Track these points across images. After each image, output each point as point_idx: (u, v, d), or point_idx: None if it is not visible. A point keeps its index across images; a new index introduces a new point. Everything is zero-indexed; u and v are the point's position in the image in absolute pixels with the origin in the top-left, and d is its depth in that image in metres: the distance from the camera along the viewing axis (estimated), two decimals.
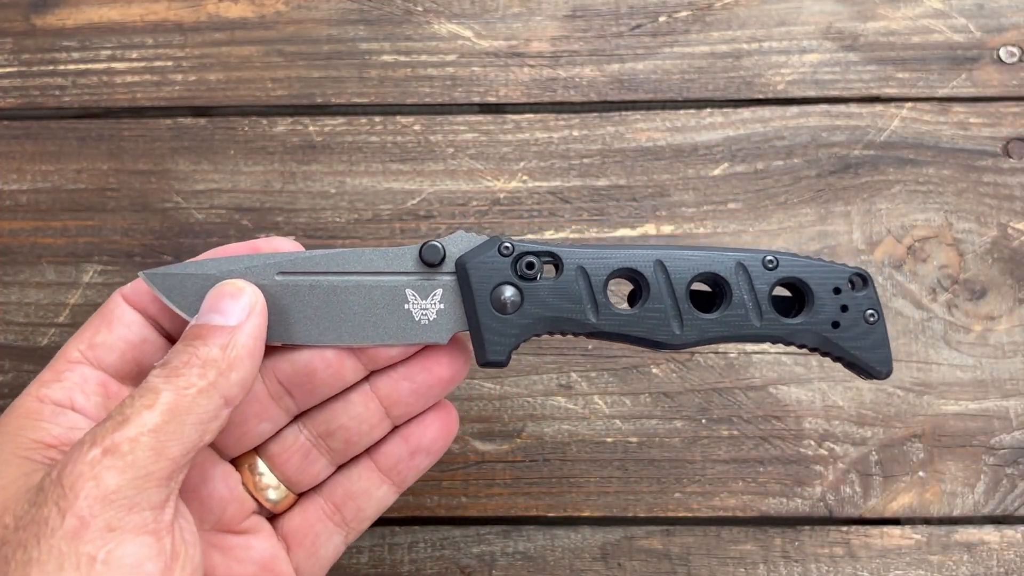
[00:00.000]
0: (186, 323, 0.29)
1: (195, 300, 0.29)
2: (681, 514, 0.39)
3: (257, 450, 0.32)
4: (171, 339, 0.31)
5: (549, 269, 0.30)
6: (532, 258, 0.30)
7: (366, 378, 0.31)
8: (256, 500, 0.32)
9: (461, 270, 0.30)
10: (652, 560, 0.39)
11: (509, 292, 0.30)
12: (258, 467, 0.32)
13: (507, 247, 0.30)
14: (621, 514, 0.39)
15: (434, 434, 0.32)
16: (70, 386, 0.29)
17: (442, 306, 0.30)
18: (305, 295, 0.30)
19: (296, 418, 0.32)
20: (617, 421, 0.40)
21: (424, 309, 0.30)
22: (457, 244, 0.30)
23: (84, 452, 0.25)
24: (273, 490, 0.32)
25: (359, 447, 0.32)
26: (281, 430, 0.32)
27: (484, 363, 0.30)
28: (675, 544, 0.39)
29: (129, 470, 0.25)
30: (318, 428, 0.32)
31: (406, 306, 0.30)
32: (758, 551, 0.38)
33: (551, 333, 0.30)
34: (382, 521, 0.39)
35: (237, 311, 0.28)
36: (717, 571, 0.38)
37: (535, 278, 0.30)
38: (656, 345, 0.30)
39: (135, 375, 0.30)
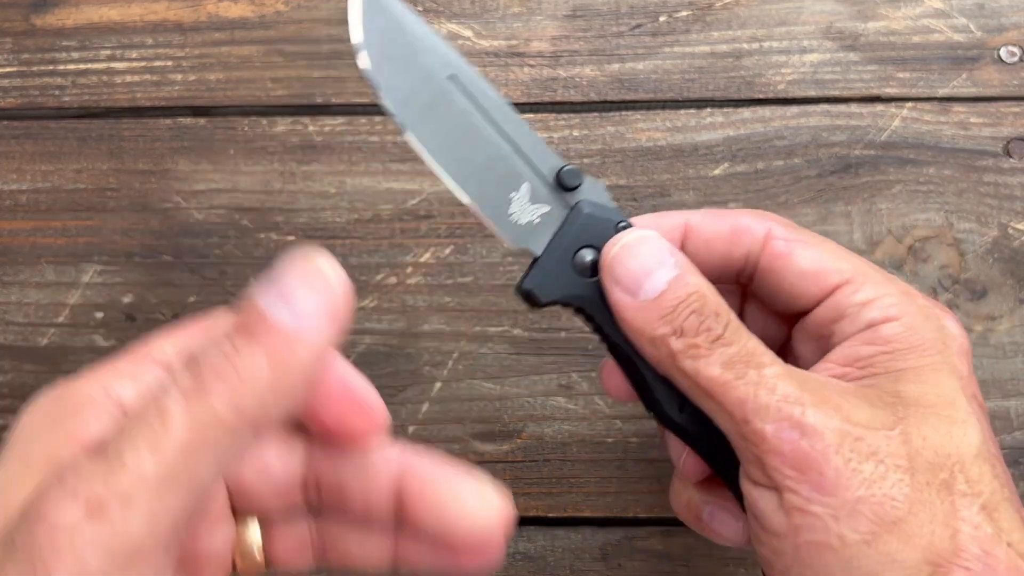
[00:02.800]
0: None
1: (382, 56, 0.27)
2: None
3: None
4: None
5: None
6: None
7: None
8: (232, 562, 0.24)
9: (575, 212, 0.29)
10: (652, 560, 0.39)
11: (590, 258, 0.29)
12: (250, 530, 0.24)
13: (623, 225, 0.29)
14: (621, 514, 0.39)
15: None
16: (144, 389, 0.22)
17: (537, 221, 0.29)
18: (452, 110, 0.28)
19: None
20: (618, 421, 0.40)
21: (523, 210, 0.29)
22: (591, 191, 0.29)
23: (65, 507, 0.18)
24: (247, 557, 0.24)
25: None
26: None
27: (523, 291, 0.29)
28: (675, 544, 0.39)
29: (116, 543, 0.18)
30: (327, 532, 0.25)
31: (513, 194, 0.29)
32: None
33: (587, 317, 0.29)
34: None
35: (311, 309, 0.20)
36: (718, 572, 0.38)
37: None
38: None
39: None
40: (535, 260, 0.29)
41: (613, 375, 0.31)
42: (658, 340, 0.27)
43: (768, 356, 0.26)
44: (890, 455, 0.24)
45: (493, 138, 0.29)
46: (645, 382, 0.29)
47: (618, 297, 0.27)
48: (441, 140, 0.28)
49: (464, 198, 0.29)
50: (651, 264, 0.27)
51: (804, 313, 0.30)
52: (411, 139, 0.28)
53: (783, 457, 0.25)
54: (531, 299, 0.29)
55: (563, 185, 0.29)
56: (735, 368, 0.26)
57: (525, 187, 0.29)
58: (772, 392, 0.25)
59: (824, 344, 0.29)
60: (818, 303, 0.29)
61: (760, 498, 0.26)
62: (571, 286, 0.29)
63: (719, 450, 0.28)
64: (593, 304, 0.29)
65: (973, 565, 0.23)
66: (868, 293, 0.28)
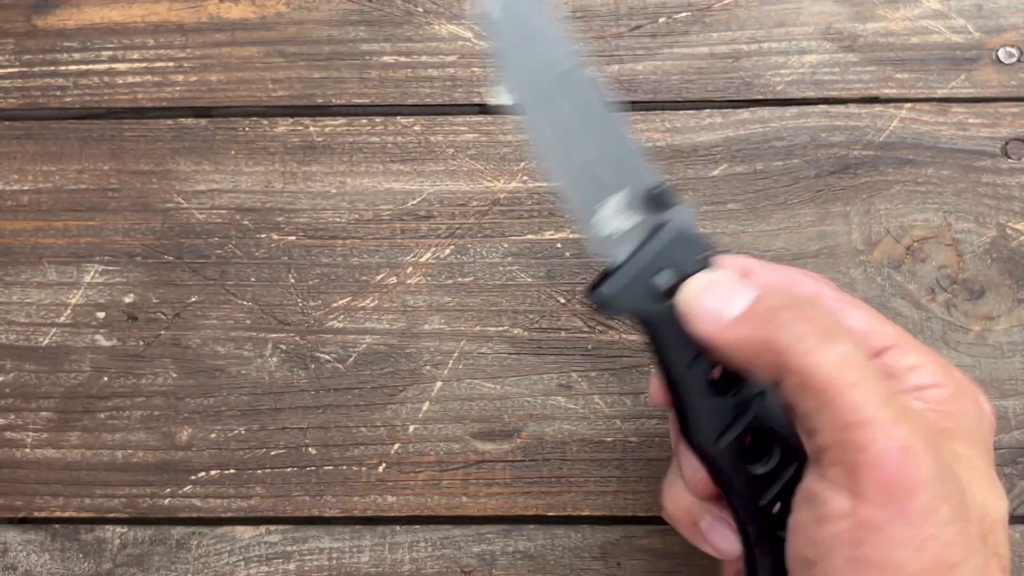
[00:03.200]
0: None
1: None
2: None
3: None
4: None
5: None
6: None
7: None
8: None
9: (665, 231, 0.29)
10: (651, 559, 0.39)
11: (665, 279, 0.29)
12: None
13: (708, 255, 0.29)
14: (621, 513, 0.39)
15: None
16: None
17: (621, 232, 0.29)
18: (565, 104, 0.28)
19: None
20: (617, 421, 0.40)
21: (609, 218, 0.29)
22: (681, 214, 0.29)
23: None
24: None
25: None
26: None
27: (596, 296, 0.29)
28: (675, 543, 0.39)
29: None
30: None
31: (605, 201, 0.29)
32: None
33: (652, 335, 0.29)
34: (382, 520, 0.39)
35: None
36: (717, 571, 0.39)
37: None
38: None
39: None
40: (614, 269, 0.29)
41: (659, 393, 0.31)
42: (760, 344, 0.27)
43: (872, 366, 0.27)
44: (960, 505, 0.25)
45: (598, 141, 0.29)
46: (686, 409, 0.29)
47: (705, 328, 0.28)
48: (549, 132, 0.28)
49: (556, 192, 0.28)
50: (730, 293, 0.28)
51: None
52: (523, 123, 0.28)
53: (880, 474, 0.25)
54: (606, 306, 0.29)
55: (656, 203, 0.29)
56: (852, 370, 0.25)
57: (618, 196, 0.29)
58: (888, 407, 0.25)
59: None
60: None
61: (833, 499, 0.26)
62: (646, 303, 0.28)
63: (745, 484, 0.29)
64: (663, 325, 0.28)
65: None
66: (913, 360, 0.30)
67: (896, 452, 0.25)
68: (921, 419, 0.27)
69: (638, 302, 0.29)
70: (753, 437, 0.30)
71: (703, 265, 0.29)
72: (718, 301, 0.28)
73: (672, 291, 0.28)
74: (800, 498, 0.27)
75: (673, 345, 0.28)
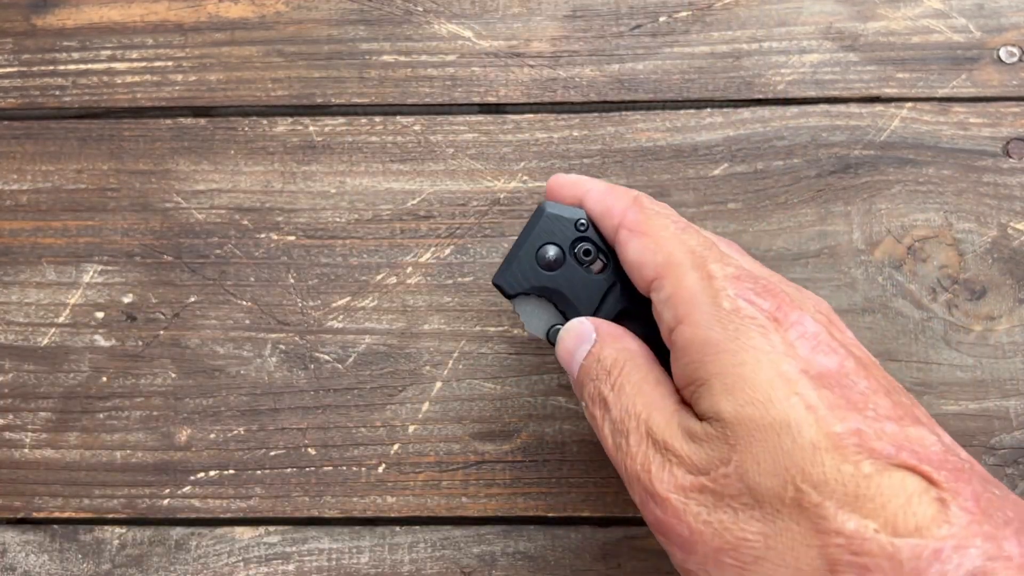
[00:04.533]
0: None
1: None
2: None
3: None
4: None
5: (600, 266, 0.32)
6: (592, 248, 0.32)
7: None
8: None
9: (539, 210, 0.33)
10: (652, 559, 0.39)
11: (552, 253, 0.32)
12: None
13: (582, 225, 0.32)
14: (621, 514, 0.39)
15: None
16: None
17: None
18: None
19: None
20: None
21: None
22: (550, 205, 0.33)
23: None
24: None
25: None
26: None
27: (497, 283, 0.33)
28: None
29: None
30: None
31: None
32: None
33: (556, 306, 0.33)
34: (382, 521, 0.39)
35: None
36: None
37: (583, 264, 0.32)
38: None
39: None
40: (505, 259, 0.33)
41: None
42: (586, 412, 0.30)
43: (637, 417, 0.28)
44: (734, 496, 0.24)
45: None
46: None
47: (570, 367, 0.32)
48: None
49: None
50: (574, 345, 0.31)
51: None
52: None
53: (653, 526, 0.26)
54: (502, 291, 0.33)
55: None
56: (615, 436, 0.28)
57: None
58: (634, 461, 0.27)
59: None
60: (648, 294, 0.30)
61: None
62: (537, 279, 0.32)
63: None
64: (556, 294, 0.32)
65: (850, 573, 0.22)
66: (667, 291, 0.28)
67: (650, 502, 0.27)
68: (667, 435, 0.27)
69: (530, 280, 0.32)
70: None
71: (574, 231, 0.32)
72: (571, 347, 0.32)
73: (557, 262, 0.32)
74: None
75: (575, 301, 0.32)
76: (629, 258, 0.30)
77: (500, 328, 0.41)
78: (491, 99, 0.43)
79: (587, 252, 0.32)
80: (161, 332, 0.41)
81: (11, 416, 0.41)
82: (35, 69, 0.44)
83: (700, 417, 0.26)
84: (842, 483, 0.23)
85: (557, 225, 0.32)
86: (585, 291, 0.32)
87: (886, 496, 0.23)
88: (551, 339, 0.33)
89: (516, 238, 0.33)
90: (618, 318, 0.32)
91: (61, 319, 0.42)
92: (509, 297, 0.33)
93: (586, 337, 0.31)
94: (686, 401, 0.27)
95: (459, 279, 0.41)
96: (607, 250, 0.32)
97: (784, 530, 0.23)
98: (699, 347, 0.26)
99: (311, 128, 0.43)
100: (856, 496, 0.23)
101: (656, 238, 0.29)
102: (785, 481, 0.23)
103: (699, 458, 0.25)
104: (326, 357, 0.41)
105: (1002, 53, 0.43)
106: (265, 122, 0.43)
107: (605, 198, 0.32)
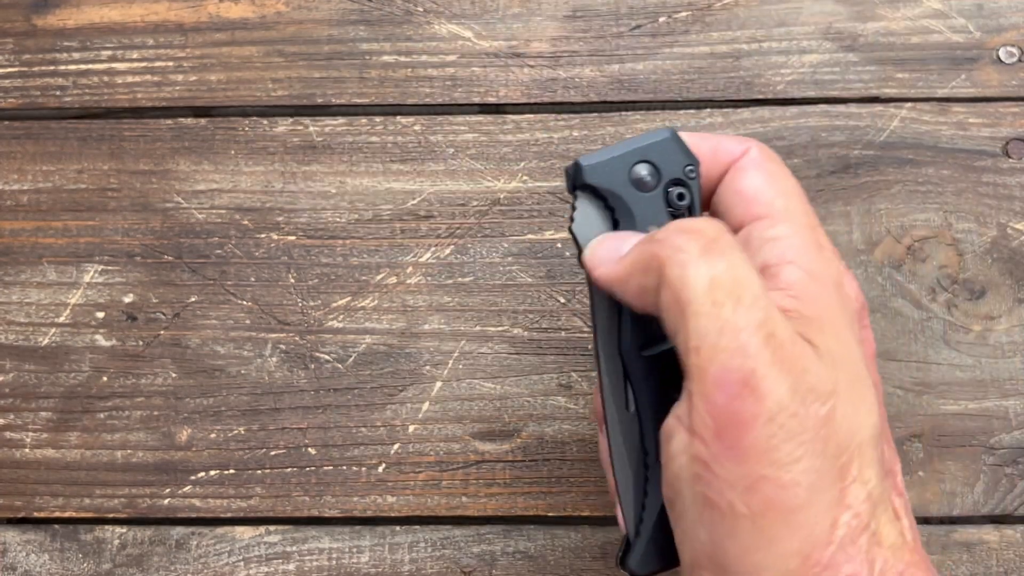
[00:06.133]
0: None
1: None
2: None
3: None
4: None
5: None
6: (687, 195, 0.29)
7: None
8: None
9: (666, 131, 0.30)
10: None
11: (648, 175, 0.29)
12: None
13: (691, 170, 0.29)
14: None
15: None
16: None
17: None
18: None
19: None
20: None
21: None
22: (672, 132, 0.30)
23: None
24: None
25: None
26: None
27: (580, 162, 0.29)
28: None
29: None
30: None
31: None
32: None
33: (614, 217, 0.30)
34: (382, 521, 0.39)
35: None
36: None
37: (669, 203, 0.29)
38: None
39: None
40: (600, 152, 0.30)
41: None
42: (643, 266, 0.26)
43: (751, 287, 0.24)
44: (812, 440, 0.23)
45: None
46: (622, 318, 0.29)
47: (601, 271, 0.28)
48: None
49: None
50: (622, 239, 0.28)
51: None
52: None
53: (712, 407, 0.23)
54: (577, 172, 0.29)
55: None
56: (718, 290, 0.24)
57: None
58: (738, 334, 0.23)
59: None
60: (738, 229, 0.28)
61: (675, 433, 0.25)
62: (619, 185, 0.29)
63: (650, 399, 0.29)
64: (626, 213, 0.29)
65: (836, 555, 0.23)
66: (779, 231, 0.27)
67: (731, 384, 0.23)
68: (786, 333, 0.24)
69: (612, 181, 0.29)
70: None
71: (681, 171, 0.29)
72: (611, 247, 0.28)
73: (645, 183, 0.29)
74: (661, 434, 0.26)
75: (640, 231, 0.29)
76: (744, 186, 0.28)
77: (500, 328, 0.41)
78: (491, 99, 0.43)
79: (681, 196, 0.29)
80: (161, 332, 0.41)
81: (12, 416, 0.41)
82: (35, 69, 0.44)
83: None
84: (877, 479, 0.25)
85: (671, 153, 0.29)
86: (655, 228, 0.29)
87: (887, 516, 0.25)
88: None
89: (620, 143, 0.30)
90: None
91: (62, 319, 0.42)
92: (577, 187, 0.29)
93: (628, 238, 0.28)
94: None
95: (459, 279, 0.41)
96: (698, 207, 0.29)
97: (824, 493, 0.23)
98: (812, 292, 0.26)
99: (311, 128, 0.43)
100: (879, 495, 0.25)
101: (784, 182, 0.28)
102: (848, 447, 0.24)
103: (812, 376, 0.24)
104: (326, 357, 0.41)
105: (1001, 53, 0.43)
106: (265, 122, 0.43)
107: (721, 140, 0.30)
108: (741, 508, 0.23)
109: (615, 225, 0.29)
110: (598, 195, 0.29)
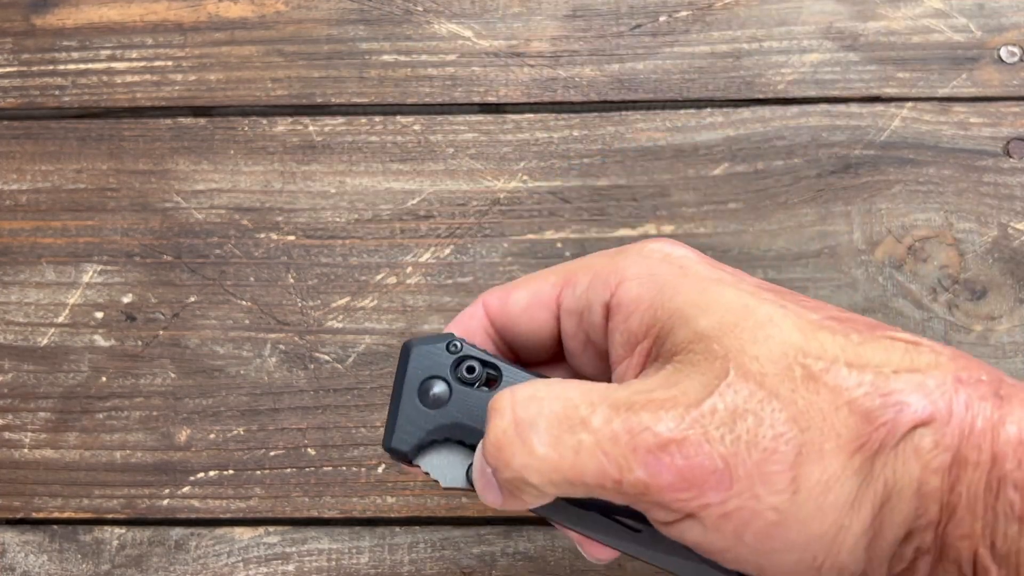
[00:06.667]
0: None
1: None
2: None
3: None
4: None
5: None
6: (475, 363, 0.28)
7: None
8: None
9: (404, 350, 0.29)
10: None
11: (436, 388, 0.28)
12: None
13: (455, 346, 0.28)
14: None
15: None
16: None
17: None
18: None
19: None
20: None
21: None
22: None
23: None
24: None
25: None
26: None
27: (390, 447, 0.28)
28: None
29: None
30: None
31: None
32: None
33: (463, 444, 0.28)
34: (382, 522, 0.39)
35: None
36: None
37: (473, 384, 0.28)
38: None
39: None
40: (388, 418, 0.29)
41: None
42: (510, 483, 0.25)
43: (587, 400, 0.24)
44: (747, 400, 0.23)
45: None
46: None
47: (492, 500, 0.27)
48: None
49: None
50: (477, 472, 0.27)
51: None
52: None
53: (672, 486, 0.23)
54: (399, 455, 0.28)
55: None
56: (561, 437, 0.23)
57: None
58: (616, 441, 0.23)
59: (598, 348, 0.29)
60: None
61: (687, 532, 0.24)
62: (430, 422, 0.28)
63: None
64: (457, 429, 0.28)
65: (887, 414, 0.23)
66: (582, 284, 0.28)
67: (657, 458, 0.23)
68: (641, 394, 0.24)
69: (426, 427, 0.28)
70: None
71: (450, 357, 0.29)
72: (479, 479, 0.26)
73: (440, 397, 0.28)
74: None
75: (480, 425, 0.28)
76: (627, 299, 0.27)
77: None
78: (491, 99, 0.43)
79: (471, 369, 0.28)
80: (161, 332, 0.41)
81: (11, 416, 0.41)
82: (35, 69, 0.44)
83: (672, 354, 0.25)
84: (841, 349, 0.24)
85: (428, 357, 0.28)
86: (485, 411, 0.27)
87: (883, 355, 0.24)
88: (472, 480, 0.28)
89: (393, 397, 0.29)
90: None
91: (61, 319, 0.42)
92: (409, 461, 0.28)
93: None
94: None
95: (459, 279, 0.41)
96: (491, 359, 0.29)
97: (809, 405, 0.23)
98: (657, 290, 0.26)
99: (311, 128, 0.43)
100: (857, 356, 0.23)
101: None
102: (790, 363, 0.23)
103: (692, 387, 0.23)
104: (326, 357, 0.41)
105: (1002, 53, 0.43)
106: (265, 122, 0.43)
107: (510, 295, 0.30)
108: (781, 496, 0.23)
109: (465, 444, 0.28)
110: (431, 443, 0.28)
